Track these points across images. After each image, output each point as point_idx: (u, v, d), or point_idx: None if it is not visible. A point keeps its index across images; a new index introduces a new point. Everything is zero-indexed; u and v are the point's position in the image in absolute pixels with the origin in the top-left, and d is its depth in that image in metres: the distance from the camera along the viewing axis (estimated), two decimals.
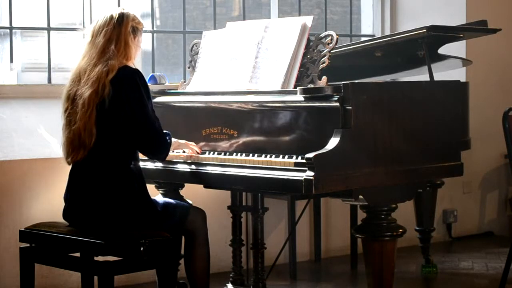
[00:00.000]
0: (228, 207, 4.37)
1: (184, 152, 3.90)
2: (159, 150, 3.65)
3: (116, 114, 3.52)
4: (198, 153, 3.86)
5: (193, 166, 3.83)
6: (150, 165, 3.97)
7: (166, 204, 3.69)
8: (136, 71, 3.59)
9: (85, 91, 3.51)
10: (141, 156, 3.75)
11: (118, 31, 3.61)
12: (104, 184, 3.54)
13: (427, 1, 6.32)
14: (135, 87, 3.54)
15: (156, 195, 4.16)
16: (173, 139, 3.83)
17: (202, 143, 3.94)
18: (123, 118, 3.52)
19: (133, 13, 3.70)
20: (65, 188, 3.68)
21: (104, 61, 3.55)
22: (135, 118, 3.52)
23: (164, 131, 3.67)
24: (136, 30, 3.69)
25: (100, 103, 3.51)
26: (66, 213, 3.66)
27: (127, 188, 3.55)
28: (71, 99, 3.59)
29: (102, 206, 3.53)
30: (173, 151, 3.87)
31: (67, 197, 3.65)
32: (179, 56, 5.76)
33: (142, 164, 3.94)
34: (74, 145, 3.55)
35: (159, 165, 3.95)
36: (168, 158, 3.91)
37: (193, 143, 3.91)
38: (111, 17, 3.63)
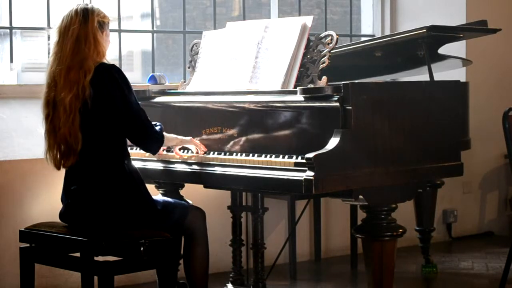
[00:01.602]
0: (228, 207, 4.37)
1: (188, 151, 3.89)
2: (149, 140, 3.63)
3: (100, 114, 3.50)
4: (204, 151, 3.84)
5: (193, 166, 3.83)
6: (150, 165, 3.97)
7: (165, 203, 3.68)
8: (113, 67, 3.55)
9: (65, 97, 3.47)
10: (139, 156, 3.73)
11: (85, 29, 3.53)
12: (102, 185, 3.53)
13: (427, 1, 6.32)
14: (114, 83, 3.51)
15: (156, 195, 4.15)
16: (176, 136, 3.83)
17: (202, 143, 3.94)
18: (108, 116, 3.50)
19: (97, 7, 3.62)
20: (62, 190, 3.66)
21: (78, 63, 3.49)
22: (120, 113, 3.50)
23: (154, 123, 3.66)
24: (102, 24, 3.60)
25: (82, 106, 3.47)
26: (64, 216, 3.65)
27: (125, 187, 3.55)
28: (52, 105, 3.54)
29: (103, 206, 3.52)
30: (171, 148, 3.88)
31: (65, 200, 3.63)
32: (179, 56, 5.75)
33: (142, 164, 3.94)
34: (63, 151, 3.53)
35: (159, 165, 3.95)
36: (168, 158, 3.92)
37: (198, 142, 3.89)
38: (76, 14, 3.54)
